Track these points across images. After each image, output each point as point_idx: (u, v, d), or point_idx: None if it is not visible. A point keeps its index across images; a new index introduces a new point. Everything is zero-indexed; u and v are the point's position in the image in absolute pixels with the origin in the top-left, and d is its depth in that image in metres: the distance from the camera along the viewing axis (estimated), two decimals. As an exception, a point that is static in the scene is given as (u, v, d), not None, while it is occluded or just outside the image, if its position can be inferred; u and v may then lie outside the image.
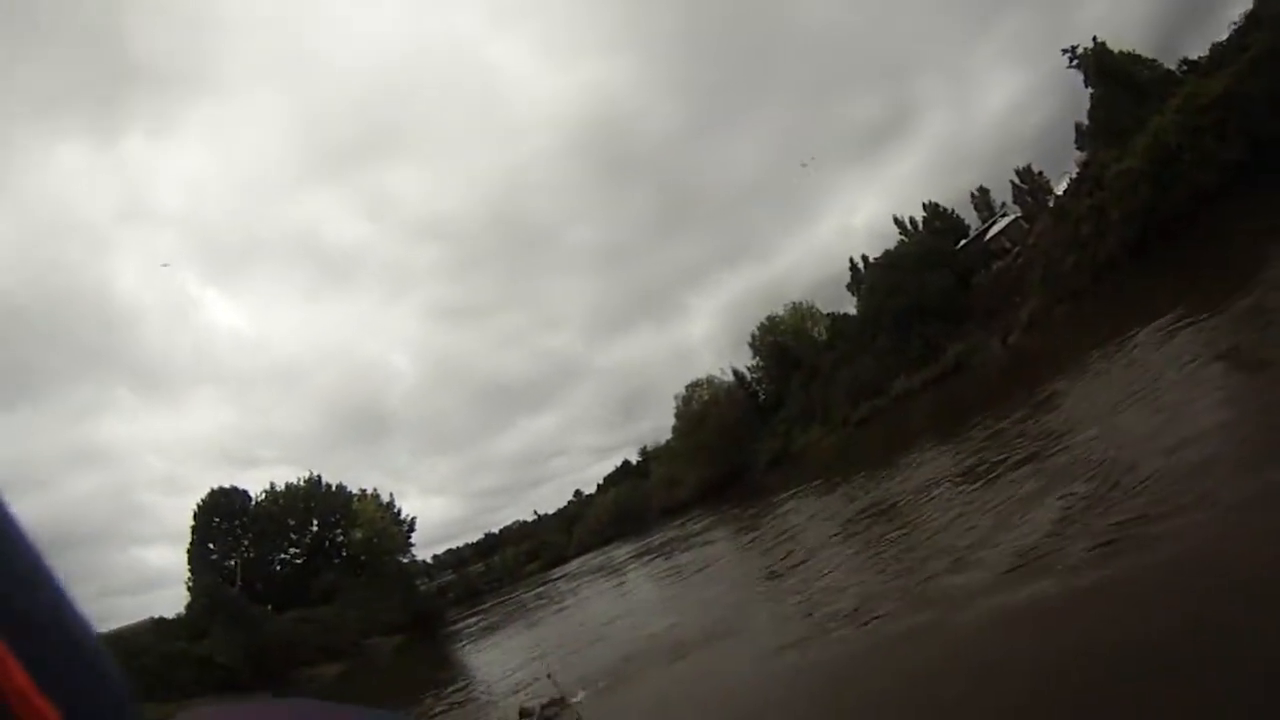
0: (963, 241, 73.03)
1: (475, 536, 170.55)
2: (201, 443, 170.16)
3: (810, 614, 14.68)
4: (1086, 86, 52.64)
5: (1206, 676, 6.47)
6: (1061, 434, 17.54)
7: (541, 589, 67.04)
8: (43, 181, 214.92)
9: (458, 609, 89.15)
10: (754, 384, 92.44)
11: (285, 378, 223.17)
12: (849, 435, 61.16)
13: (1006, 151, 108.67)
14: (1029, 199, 69.87)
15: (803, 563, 20.02)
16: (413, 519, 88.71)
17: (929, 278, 62.35)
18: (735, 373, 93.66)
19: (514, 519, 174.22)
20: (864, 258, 79.68)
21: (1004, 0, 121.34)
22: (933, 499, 18.92)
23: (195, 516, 76.82)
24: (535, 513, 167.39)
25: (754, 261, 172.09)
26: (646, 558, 47.14)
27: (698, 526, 49.67)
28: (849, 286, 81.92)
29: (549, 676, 12.13)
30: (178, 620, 58.77)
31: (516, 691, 20.90)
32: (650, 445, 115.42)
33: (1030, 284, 50.63)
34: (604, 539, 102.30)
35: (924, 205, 79.13)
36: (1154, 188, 39.98)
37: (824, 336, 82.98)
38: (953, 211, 78.44)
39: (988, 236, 71.31)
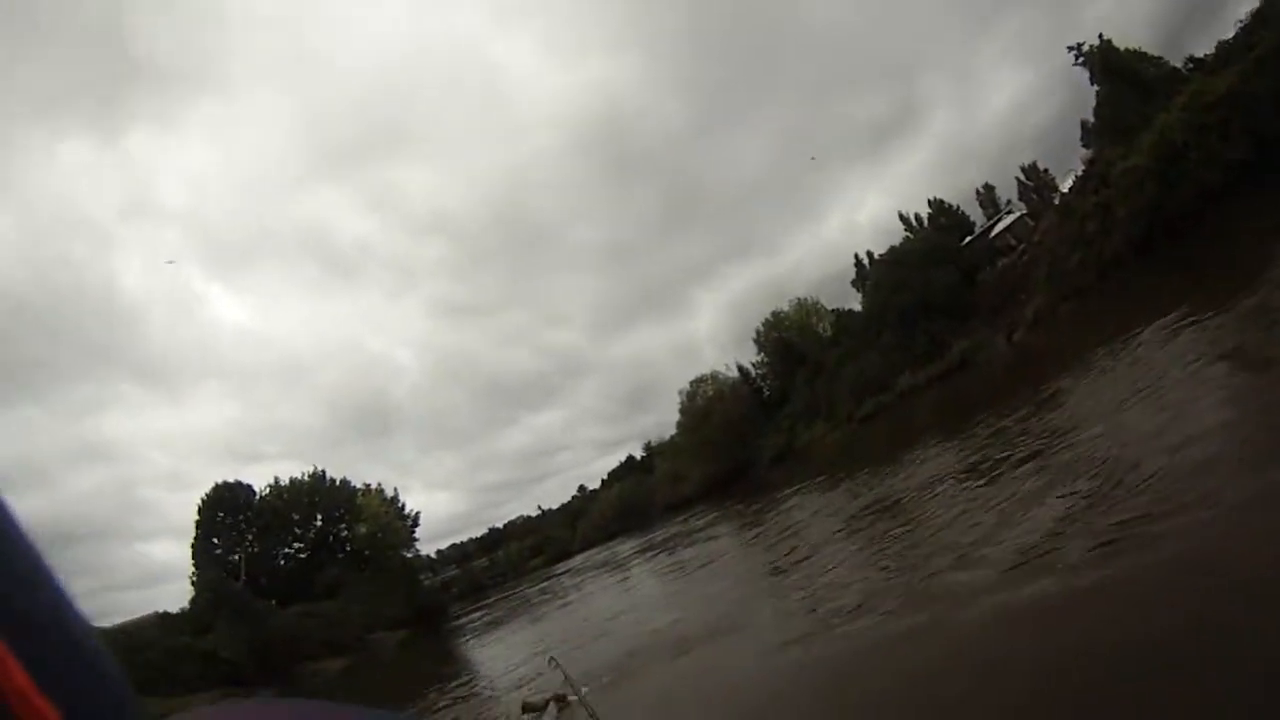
0: (968, 238, 73.06)
1: (479, 531, 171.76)
2: (206, 438, 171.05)
3: (814, 610, 14.67)
4: (1092, 84, 52.71)
5: (1207, 676, 6.47)
6: (1065, 431, 17.52)
7: (545, 584, 67.03)
8: (47, 179, 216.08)
9: (461, 604, 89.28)
10: (758, 380, 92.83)
11: (290, 373, 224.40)
12: (853, 431, 61.26)
13: (1012, 149, 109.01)
14: (1034, 196, 69.85)
15: (806, 559, 19.99)
16: (417, 514, 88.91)
17: (934, 274, 62.47)
18: (740, 368, 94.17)
19: (518, 514, 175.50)
20: (869, 254, 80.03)
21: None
22: (936, 496, 18.91)
23: (199, 511, 77.08)
24: (539, 508, 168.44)
25: (759, 258, 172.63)
26: (650, 553, 47.10)
27: (701, 522, 49.63)
28: (854, 283, 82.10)
29: (553, 662, 12.13)
30: (182, 615, 59.02)
31: (520, 686, 20.90)
32: (655, 441, 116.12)
33: (1035, 281, 50.67)
34: (608, 534, 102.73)
35: (929, 202, 79.39)
36: (1160, 186, 40.01)
37: (829, 332, 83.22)
38: (958, 208, 78.57)
39: (993, 233, 71.32)
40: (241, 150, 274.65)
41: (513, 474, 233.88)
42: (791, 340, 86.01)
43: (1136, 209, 41.54)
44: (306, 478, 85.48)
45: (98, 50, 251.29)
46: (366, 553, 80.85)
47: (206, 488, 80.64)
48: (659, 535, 58.45)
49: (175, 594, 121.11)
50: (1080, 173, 54.01)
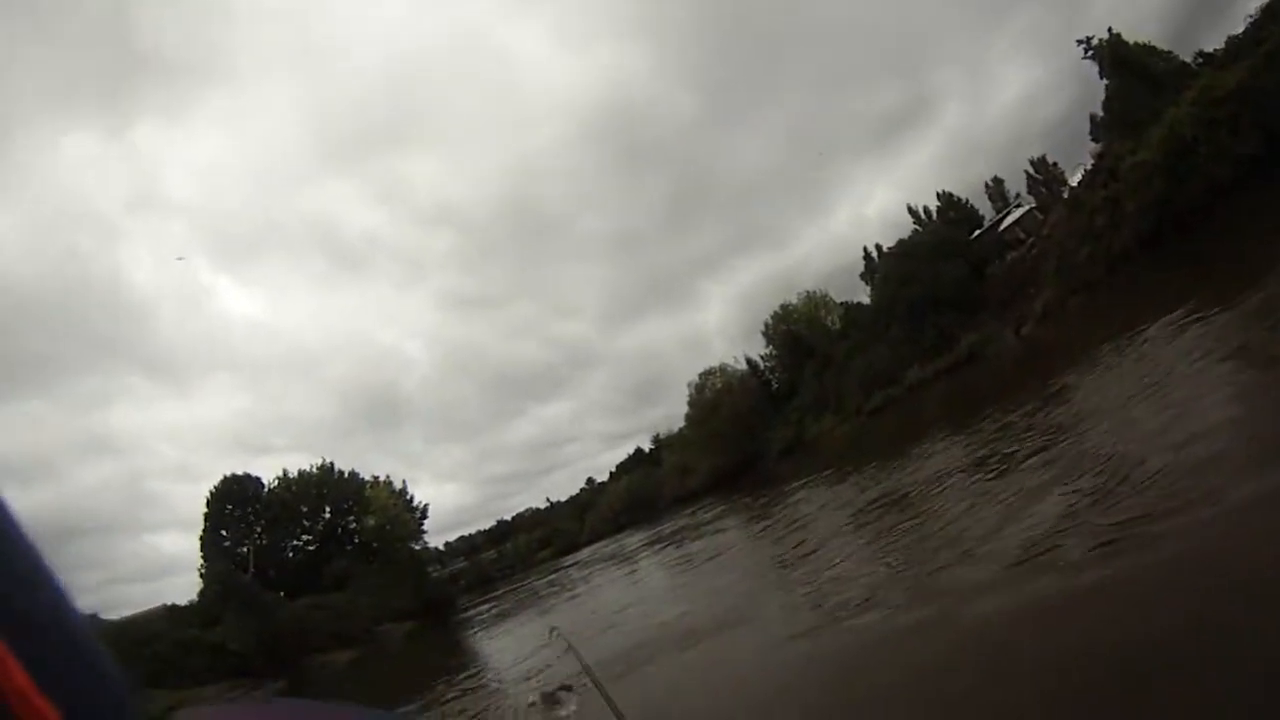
0: (977, 232, 73.03)
1: (488, 523, 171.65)
2: (214, 430, 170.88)
3: (820, 604, 14.75)
4: (1101, 78, 52.66)
5: (1207, 676, 6.53)
6: (1072, 427, 17.58)
7: (553, 576, 67.03)
8: (53, 172, 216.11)
9: (469, 596, 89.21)
10: (767, 372, 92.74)
11: (298, 365, 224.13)
12: (862, 424, 61.26)
13: (1021, 142, 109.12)
14: (1043, 190, 69.68)
15: (813, 552, 20.06)
16: (425, 506, 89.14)
17: (943, 267, 62.44)
18: (748, 361, 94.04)
19: (526, 506, 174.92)
20: (878, 247, 79.89)
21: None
22: (943, 490, 18.97)
23: (208, 503, 77.47)
24: (548, 500, 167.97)
25: (768, 250, 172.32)
26: (658, 545, 47.16)
27: (709, 515, 49.69)
28: (863, 275, 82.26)
29: (555, 633, 12.08)
30: (190, 607, 59.38)
31: (528, 678, 20.99)
32: (663, 433, 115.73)
33: (1044, 275, 50.64)
34: (616, 526, 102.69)
35: (938, 195, 79.21)
36: (1169, 181, 39.95)
37: (837, 325, 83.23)
38: (967, 201, 78.47)
39: (1002, 227, 71.26)
40: (249, 142, 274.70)
41: (521, 466, 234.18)
42: (800, 333, 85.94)
43: (1145, 204, 41.50)
44: (315, 470, 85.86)
45: (103, 43, 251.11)
46: (375, 545, 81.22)
47: (215, 480, 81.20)
48: (667, 528, 58.53)
49: (184, 586, 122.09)
50: (1089, 167, 53.89)
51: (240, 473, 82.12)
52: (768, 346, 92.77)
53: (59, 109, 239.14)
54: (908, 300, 63.18)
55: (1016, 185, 76.30)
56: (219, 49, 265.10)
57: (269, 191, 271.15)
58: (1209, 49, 51.01)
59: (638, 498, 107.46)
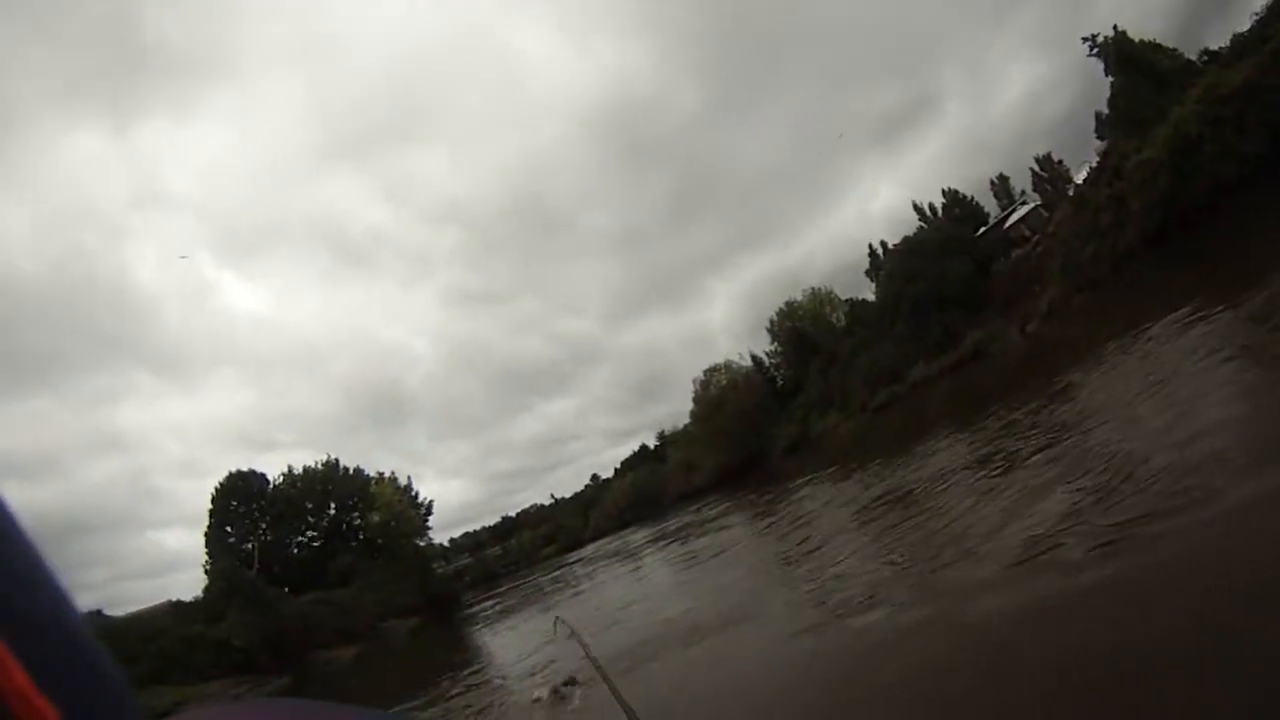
0: (982, 229, 72.88)
1: (492, 520, 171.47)
2: (220, 426, 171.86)
3: (823, 601, 14.79)
4: (1107, 75, 52.55)
5: (1207, 676, 6.55)
6: (1076, 425, 17.59)
7: (558, 572, 67.14)
8: (58, 169, 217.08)
9: (474, 592, 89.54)
10: (772, 369, 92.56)
11: (304, 361, 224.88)
12: (867, 421, 61.25)
13: (1026, 139, 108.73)
14: (1049, 187, 69.73)
15: (817, 549, 20.10)
16: (430, 502, 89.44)
17: (948, 265, 62.45)
18: (753, 358, 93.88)
19: (531, 502, 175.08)
20: (883, 244, 79.67)
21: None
22: (947, 487, 18.99)
23: (213, 500, 77.67)
24: (552, 496, 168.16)
25: (773, 247, 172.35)
26: (662, 542, 47.20)
27: (714, 511, 49.70)
28: (868, 272, 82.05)
29: (559, 622, 12.14)
30: (195, 603, 59.38)
31: (533, 674, 21.05)
32: (668, 430, 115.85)
33: (1050, 272, 50.61)
34: (620, 523, 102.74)
35: (943, 192, 79.15)
36: (1174, 179, 39.93)
37: (842, 322, 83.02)
38: (972, 199, 78.40)
39: (1007, 224, 71.20)
40: (253, 139, 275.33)
41: (525, 462, 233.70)
42: (805, 330, 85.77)
43: (1150, 202, 41.47)
44: (320, 466, 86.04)
45: (107, 39, 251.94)
46: (379, 541, 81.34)
47: (220, 476, 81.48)
48: (671, 524, 58.51)
49: (188, 582, 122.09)
50: (1094, 164, 53.79)
51: (245, 469, 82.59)
52: (773, 343, 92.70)
53: (63, 106, 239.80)
54: (913, 297, 63.19)
55: (1022, 183, 76.49)
56: (223, 45, 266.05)
57: (274, 188, 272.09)
58: (1214, 47, 50.98)
59: (642, 494, 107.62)
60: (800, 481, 39.39)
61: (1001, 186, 79.84)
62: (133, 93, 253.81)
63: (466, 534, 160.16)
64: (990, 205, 78.90)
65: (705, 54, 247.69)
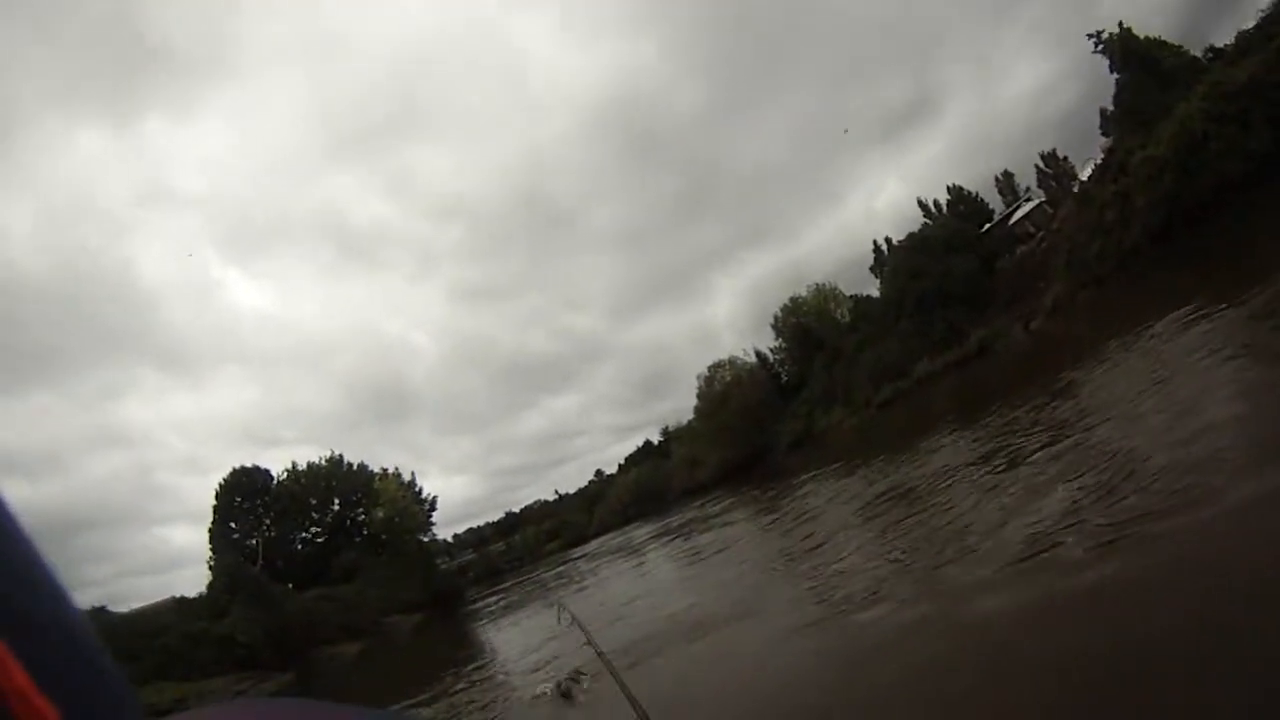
0: (987, 225, 72.74)
1: (496, 515, 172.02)
2: (224, 422, 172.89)
3: (826, 598, 14.80)
4: (1112, 72, 52.45)
5: (1207, 676, 6.55)
6: (1078, 422, 17.59)
7: (562, 568, 67.11)
8: (63, 167, 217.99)
9: (478, 588, 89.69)
10: (776, 365, 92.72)
11: (308, 357, 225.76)
12: (871, 417, 61.34)
13: (1031, 136, 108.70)
14: (1053, 184, 69.59)
15: (821, 545, 20.10)
16: (434, 498, 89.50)
17: (953, 261, 62.46)
18: (758, 354, 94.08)
19: (535, 498, 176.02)
20: (887, 240, 79.81)
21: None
22: (950, 484, 18.99)
23: (217, 496, 77.79)
24: (556, 492, 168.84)
25: (777, 243, 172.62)
26: (666, 538, 47.21)
27: (718, 507, 49.71)
28: (872, 269, 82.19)
29: (561, 609, 12.06)
30: (199, 600, 59.44)
31: (537, 669, 21.07)
32: (672, 425, 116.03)
33: (1054, 269, 50.62)
34: (624, 519, 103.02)
35: (948, 188, 78.97)
36: (1179, 176, 39.91)
37: (847, 318, 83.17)
38: (977, 195, 78.21)
39: (1012, 221, 71.09)
40: (258, 135, 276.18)
41: (530, 458, 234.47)
42: (810, 326, 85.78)
43: (1155, 199, 41.46)
44: (324, 462, 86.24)
45: (111, 38, 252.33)
46: (383, 537, 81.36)
47: (224, 472, 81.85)
48: (675, 520, 58.57)
49: (192, 579, 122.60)
50: (1099, 161, 53.75)
51: (249, 465, 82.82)
52: (777, 339, 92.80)
53: (67, 105, 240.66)
54: (917, 294, 63.20)
55: (1027, 179, 76.39)
56: (227, 43, 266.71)
57: (278, 184, 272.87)
58: (1220, 43, 50.97)
59: (646, 490, 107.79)
60: (804, 478, 39.40)
61: (1006, 183, 79.81)
62: (136, 91, 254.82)
63: (470, 530, 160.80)
64: (995, 202, 78.92)
65: (710, 50, 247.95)
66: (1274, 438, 10.44)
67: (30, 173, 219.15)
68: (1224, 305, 19.88)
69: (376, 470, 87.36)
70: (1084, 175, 59.41)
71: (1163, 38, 52.86)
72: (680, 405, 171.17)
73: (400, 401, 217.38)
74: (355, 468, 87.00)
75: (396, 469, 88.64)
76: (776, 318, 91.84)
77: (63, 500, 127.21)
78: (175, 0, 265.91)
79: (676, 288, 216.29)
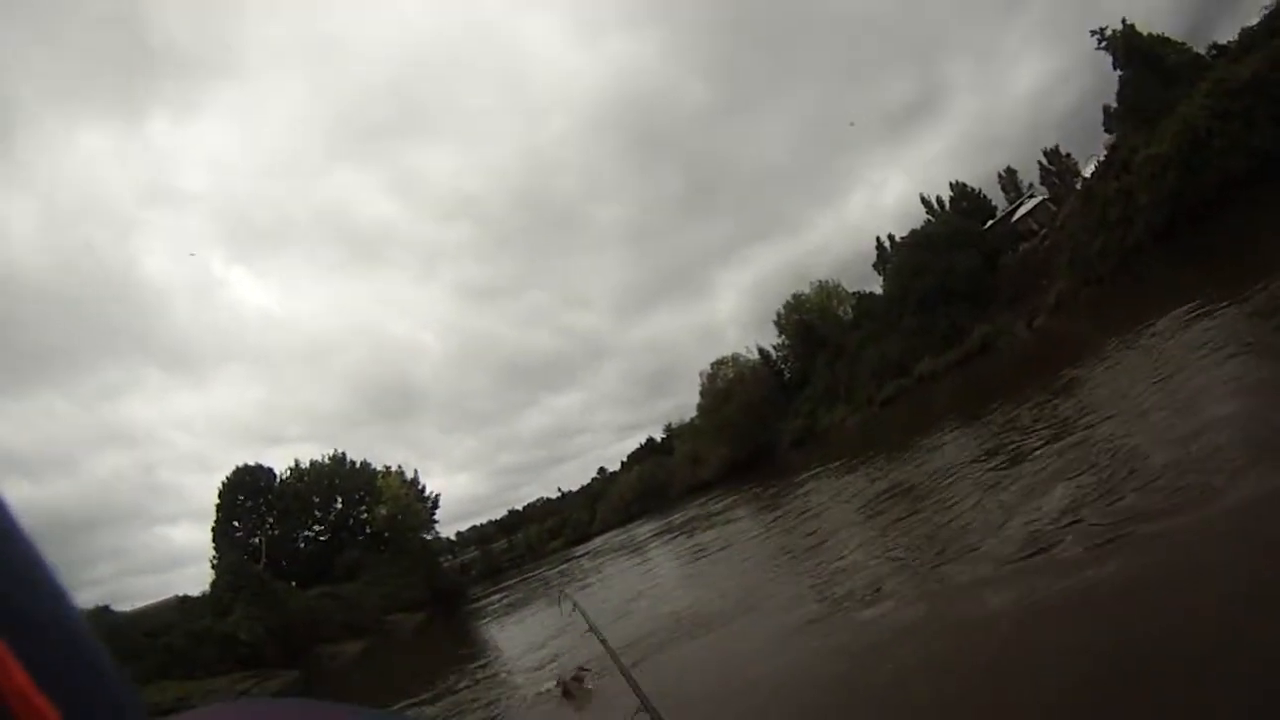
0: (990, 222, 72.75)
1: (499, 513, 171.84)
2: (228, 421, 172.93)
3: (827, 596, 14.81)
4: (1115, 69, 52.36)
5: (1207, 676, 6.53)
6: (1080, 420, 17.58)
7: (564, 566, 67.13)
8: (68, 166, 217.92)
9: (480, 586, 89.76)
10: (779, 362, 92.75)
11: (312, 355, 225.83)
12: (873, 415, 61.44)
13: (1034, 133, 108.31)
14: (1056, 181, 69.58)
15: (823, 543, 20.13)
16: (437, 496, 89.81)
17: (956, 258, 62.40)
18: (761, 351, 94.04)
19: (538, 496, 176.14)
20: (890, 237, 79.71)
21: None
22: (951, 482, 18.99)
23: (220, 494, 77.97)
24: (559, 490, 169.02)
25: (780, 240, 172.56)
26: (669, 536, 47.24)
27: (720, 505, 49.68)
28: (875, 266, 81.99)
29: (563, 597, 11.93)
30: (202, 598, 59.50)
31: (540, 667, 21.08)
32: (675, 423, 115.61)
33: (1057, 266, 50.61)
34: (627, 516, 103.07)
35: (951, 185, 79.18)
36: (1182, 173, 39.86)
37: (850, 315, 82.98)
38: (980, 192, 78.33)
39: (1015, 218, 71.09)
40: (262, 135, 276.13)
41: (532, 456, 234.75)
42: (812, 323, 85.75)
43: (1158, 196, 41.43)
44: (327, 460, 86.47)
45: (116, 37, 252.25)
46: (386, 535, 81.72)
47: (228, 471, 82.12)
48: (678, 518, 58.57)
49: (195, 577, 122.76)
50: (1103, 158, 53.69)
51: (253, 463, 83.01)
52: (780, 336, 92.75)
53: (72, 104, 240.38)
54: (920, 291, 63.18)
55: (1030, 176, 76.39)
56: (231, 42, 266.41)
57: (282, 184, 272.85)
58: (1223, 40, 50.92)
59: (649, 488, 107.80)
60: (807, 475, 39.42)
61: (1009, 180, 79.81)
62: (140, 91, 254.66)
63: (473, 527, 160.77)
64: (998, 199, 79.03)
65: (713, 47, 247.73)
66: (1274, 437, 10.42)
67: (33, 172, 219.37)
68: (1226, 302, 19.89)
69: (379, 468, 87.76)
70: (1087, 172, 59.31)
71: (1166, 34, 52.86)
72: (683, 403, 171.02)
73: (404, 400, 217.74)
74: (358, 466, 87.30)
75: (399, 467, 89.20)
76: (779, 315, 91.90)
77: (66, 499, 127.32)
78: (179, 1, 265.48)
79: (680, 285, 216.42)
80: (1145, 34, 51.81)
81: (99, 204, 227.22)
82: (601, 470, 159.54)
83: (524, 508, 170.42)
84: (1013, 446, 19.04)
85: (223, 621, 51.11)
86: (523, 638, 30.46)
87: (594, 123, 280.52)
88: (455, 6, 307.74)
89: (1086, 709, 7.21)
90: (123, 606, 56.97)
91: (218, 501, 78.21)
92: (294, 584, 67.54)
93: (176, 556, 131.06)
